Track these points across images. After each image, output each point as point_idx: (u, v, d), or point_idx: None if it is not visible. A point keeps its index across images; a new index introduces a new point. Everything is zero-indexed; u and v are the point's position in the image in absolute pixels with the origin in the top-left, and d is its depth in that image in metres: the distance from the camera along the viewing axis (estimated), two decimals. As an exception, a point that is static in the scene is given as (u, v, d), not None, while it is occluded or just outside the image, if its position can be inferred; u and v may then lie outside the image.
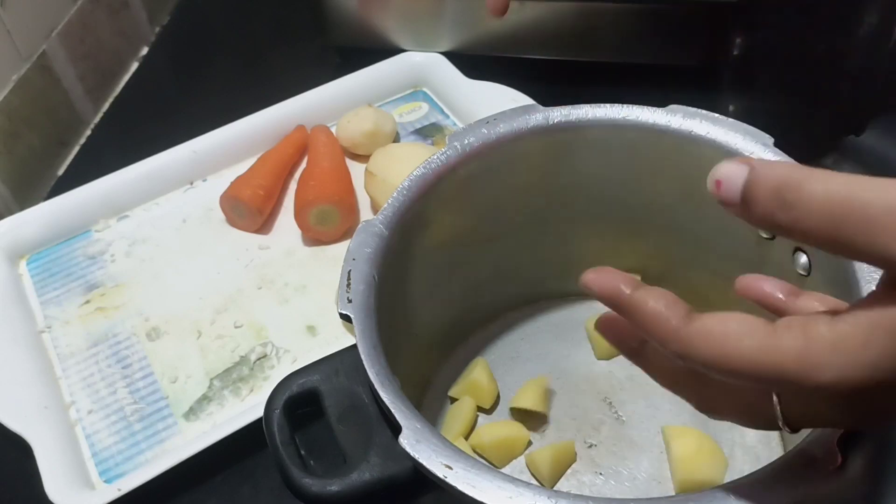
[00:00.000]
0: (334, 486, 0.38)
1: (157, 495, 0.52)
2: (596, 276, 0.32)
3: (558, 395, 0.54)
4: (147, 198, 0.71)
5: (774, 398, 0.31)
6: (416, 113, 0.77)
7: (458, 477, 0.35)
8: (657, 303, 0.29)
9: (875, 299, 0.26)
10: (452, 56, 0.77)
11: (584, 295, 0.58)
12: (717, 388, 0.32)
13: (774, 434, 0.51)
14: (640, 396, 0.53)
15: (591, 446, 0.51)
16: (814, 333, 0.26)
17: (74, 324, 0.63)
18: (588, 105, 0.49)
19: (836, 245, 0.25)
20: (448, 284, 0.53)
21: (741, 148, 0.45)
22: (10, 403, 0.56)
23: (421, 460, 0.36)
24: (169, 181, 0.72)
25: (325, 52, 0.83)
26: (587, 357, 0.56)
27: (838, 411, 0.29)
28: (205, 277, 0.65)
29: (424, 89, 0.78)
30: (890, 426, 0.35)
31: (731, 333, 0.28)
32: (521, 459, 0.51)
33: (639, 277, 0.57)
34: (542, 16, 0.73)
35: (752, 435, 0.51)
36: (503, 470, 0.51)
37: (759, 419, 0.33)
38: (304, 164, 0.71)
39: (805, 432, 0.35)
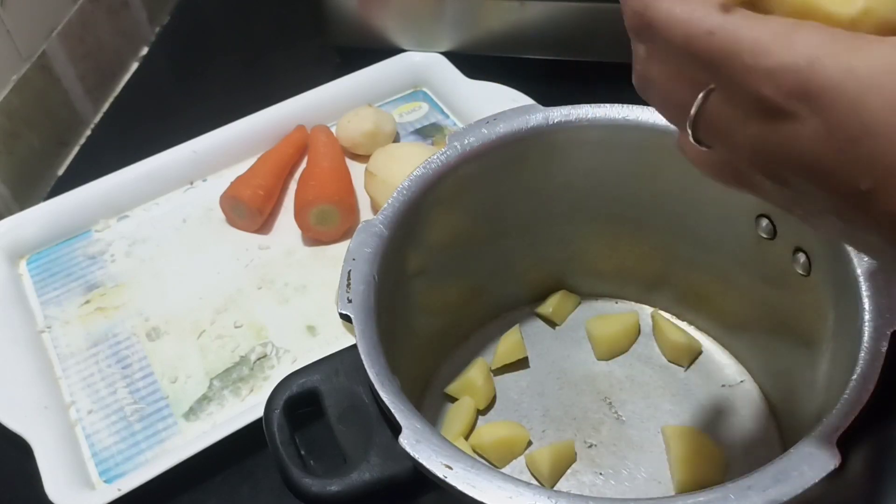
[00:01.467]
0: (334, 486, 0.38)
1: (157, 495, 0.52)
2: None
3: (558, 395, 0.54)
4: (147, 198, 0.71)
5: (701, 95, 0.29)
6: (416, 113, 0.77)
7: (458, 477, 0.35)
8: None
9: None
10: (452, 56, 0.77)
11: (584, 294, 0.59)
12: (653, 60, 0.31)
13: (774, 434, 0.51)
14: (640, 396, 0.54)
15: (591, 446, 0.51)
16: (775, 23, 0.26)
17: (74, 324, 0.63)
18: (588, 105, 0.49)
19: None
20: (448, 284, 0.53)
21: (741, 148, 0.45)
22: (10, 403, 0.56)
23: (421, 460, 0.36)
24: (169, 181, 0.72)
25: (325, 52, 0.83)
26: (587, 357, 0.56)
27: (755, 131, 0.27)
28: (205, 277, 0.65)
29: (424, 89, 0.79)
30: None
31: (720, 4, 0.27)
32: (521, 459, 0.51)
33: (639, 277, 0.57)
34: (542, 16, 0.73)
35: (752, 435, 0.51)
36: (503, 470, 0.51)
37: (673, 111, 0.31)
38: (304, 164, 0.71)
39: (806, 430, 0.35)
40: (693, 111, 0.29)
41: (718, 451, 0.49)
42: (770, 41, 0.25)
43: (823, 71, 0.24)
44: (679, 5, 0.28)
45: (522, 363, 0.56)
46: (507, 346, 0.55)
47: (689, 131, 0.30)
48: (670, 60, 0.29)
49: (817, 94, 0.25)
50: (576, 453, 0.51)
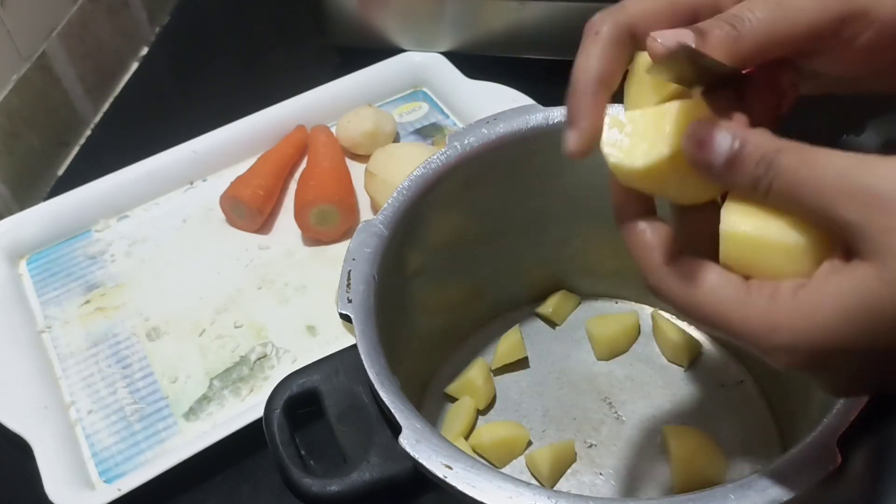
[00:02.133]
0: (334, 486, 0.38)
1: (157, 495, 0.52)
2: (619, 193, 0.33)
3: (558, 395, 0.54)
4: (147, 198, 0.71)
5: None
6: (416, 113, 0.77)
7: (458, 477, 0.35)
8: (653, 235, 0.31)
9: (832, 269, 0.27)
10: (452, 56, 0.77)
11: (584, 294, 0.59)
12: None
13: (774, 434, 0.51)
14: (640, 396, 0.54)
15: (591, 446, 0.51)
16: (779, 295, 0.28)
17: (74, 324, 0.63)
18: (588, 105, 0.49)
19: (799, 208, 0.28)
20: (448, 284, 0.53)
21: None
22: (10, 403, 0.56)
23: (421, 460, 0.36)
24: (169, 181, 0.72)
25: (325, 52, 0.83)
26: (587, 357, 0.56)
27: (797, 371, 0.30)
28: (205, 277, 0.65)
29: (424, 89, 0.78)
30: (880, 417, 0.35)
31: (707, 282, 0.29)
32: (521, 459, 0.51)
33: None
34: (542, 16, 0.73)
35: (751, 435, 0.51)
36: (503, 470, 0.51)
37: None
38: (304, 164, 0.71)
39: (806, 430, 0.35)
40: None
41: (718, 451, 0.49)
42: (758, 326, 0.28)
43: (808, 345, 0.27)
44: (673, 283, 0.30)
45: (522, 363, 0.56)
46: (507, 346, 0.55)
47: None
48: None
49: (816, 359, 0.28)
50: (576, 453, 0.51)
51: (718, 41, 0.30)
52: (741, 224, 0.29)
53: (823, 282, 0.27)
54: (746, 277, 0.29)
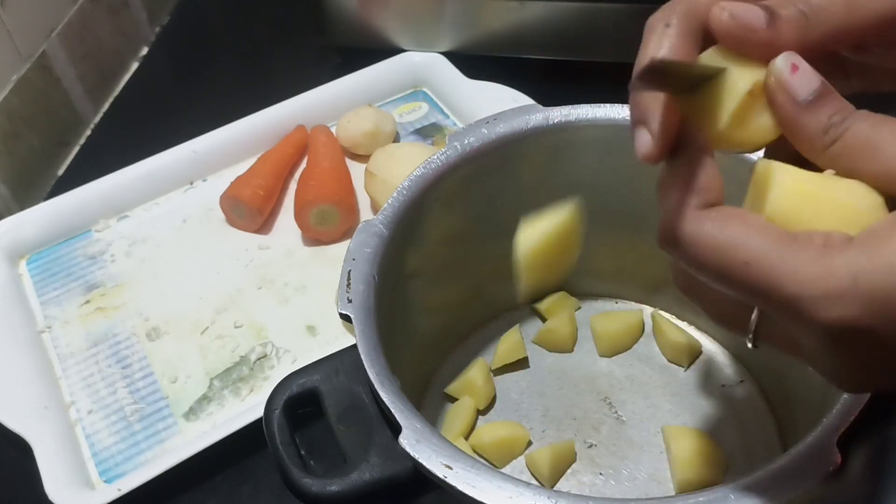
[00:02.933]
0: (334, 486, 0.38)
1: (157, 495, 0.52)
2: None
3: (558, 395, 0.54)
4: (147, 198, 0.71)
5: (754, 316, 0.30)
6: (416, 113, 0.77)
7: (458, 477, 0.35)
8: (703, 174, 0.28)
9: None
10: (452, 56, 0.77)
11: (584, 295, 0.59)
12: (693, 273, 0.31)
13: (774, 434, 0.51)
14: (640, 396, 0.54)
15: (591, 446, 0.51)
16: (832, 241, 0.26)
17: (74, 324, 0.63)
18: (588, 105, 0.49)
19: (864, 165, 0.27)
20: (448, 284, 0.53)
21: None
22: (10, 403, 0.56)
23: (421, 460, 0.36)
24: (169, 181, 0.72)
25: (325, 52, 0.83)
26: (587, 357, 0.56)
27: (821, 350, 0.28)
28: (205, 277, 0.65)
29: (424, 89, 0.78)
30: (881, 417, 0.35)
31: (751, 225, 0.27)
32: (521, 459, 0.51)
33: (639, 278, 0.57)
34: (542, 16, 0.73)
35: (751, 435, 0.51)
36: (503, 470, 0.51)
37: (729, 323, 0.32)
38: (304, 164, 0.71)
39: (806, 430, 0.35)
40: (750, 330, 0.30)
41: (718, 451, 0.49)
42: (810, 270, 0.26)
43: (869, 283, 0.25)
44: (709, 226, 0.27)
45: (522, 363, 0.56)
46: (507, 346, 0.55)
47: (749, 343, 0.31)
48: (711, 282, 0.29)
49: (872, 308, 0.25)
50: (576, 453, 0.51)
51: (788, 25, 0.29)
52: (798, 176, 0.28)
53: (888, 230, 0.25)
54: None
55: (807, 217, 0.27)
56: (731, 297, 0.29)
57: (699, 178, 0.28)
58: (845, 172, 0.28)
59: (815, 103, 0.28)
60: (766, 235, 0.27)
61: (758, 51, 0.29)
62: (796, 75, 0.28)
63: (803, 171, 0.28)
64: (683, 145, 0.29)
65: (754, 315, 0.30)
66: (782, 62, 0.28)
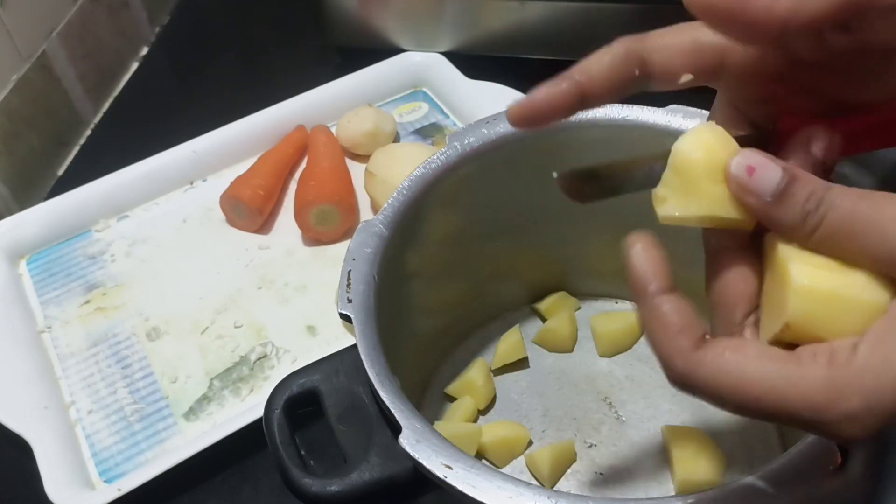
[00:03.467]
0: (334, 486, 0.38)
1: (157, 495, 0.52)
2: (637, 251, 0.30)
3: (558, 395, 0.54)
4: (147, 198, 0.71)
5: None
6: (416, 113, 0.77)
7: (458, 477, 0.35)
8: (675, 315, 0.27)
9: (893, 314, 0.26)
10: (452, 56, 0.77)
11: (583, 295, 0.59)
12: None
13: (774, 434, 0.51)
14: (640, 396, 0.54)
15: (591, 446, 0.51)
16: (836, 359, 0.25)
17: (74, 324, 0.63)
18: (588, 105, 0.49)
19: (852, 245, 0.26)
20: (448, 284, 0.53)
21: (741, 148, 0.45)
22: (10, 403, 0.56)
23: (421, 460, 0.36)
24: (169, 181, 0.72)
25: (325, 52, 0.83)
26: (587, 357, 0.56)
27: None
28: (205, 277, 0.65)
29: (424, 89, 0.78)
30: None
31: (750, 360, 0.26)
32: (521, 459, 0.51)
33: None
34: (542, 16, 0.73)
35: (752, 435, 0.51)
36: (503, 470, 0.51)
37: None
38: (304, 164, 0.71)
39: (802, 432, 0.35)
40: None
41: (718, 452, 0.49)
42: (823, 396, 0.25)
43: (882, 404, 0.25)
44: (707, 370, 0.27)
45: (522, 363, 0.56)
46: (507, 346, 0.55)
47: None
48: None
49: (890, 419, 0.25)
50: (576, 453, 0.51)
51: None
52: (815, 276, 0.27)
53: (889, 331, 0.25)
54: (808, 340, 0.27)
55: (823, 321, 0.27)
56: None
57: (673, 319, 0.27)
58: (840, 258, 0.27)
59: (783, 196, 0.27)
60: (768, 365, 0.26)
61: (743, 31, 0.28)
62: (754, 177, 0.27)
63: (818, 264, 0.27)
64: (659, 289, 0.28)
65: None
66: (736, 167, 0.28)
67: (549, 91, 0.32)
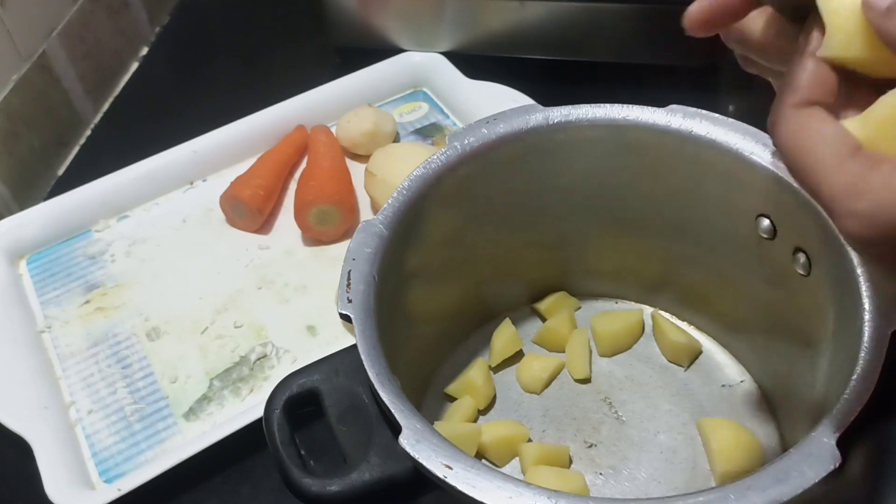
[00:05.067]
0: (334, 486, 0.38)
1: (157, 495, 0.52)
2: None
3: (558, 395, 0.54)
4: (147, 198, 0.71)
5: None
6: (416, 113, 0.77)
7: (458, 477, 0.35)
8: (805, 72, 0.30)
9: None
10: (452, 56, 0.77)
11: (583, 295, 0.59)
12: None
13: (774, 434, 0.51)
14: (640, 396, 0.54)
15: (591, 446, 0.51)
16: (881, 167, 0.28)
17: (74, 324, 0.63)
18: (588, 105, 0.49)
19: None
20: (448, 284, 0.53)
21: (741, 148, 0.45)
22: (10, 403, 0.56)
23: (421, 460, 0.36)
24: (169, 181, 0.72)
25: (325, 52, 0.83)
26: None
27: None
28: (205, 277, 0.65)
29: (424, 89, 0.78)
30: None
31: (821, 131, 0.29)
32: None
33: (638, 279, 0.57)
34: (542, 16, 0.73)
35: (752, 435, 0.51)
36: (503, 470, 0.51)
37: None
38: (304, 164, 0.71)
39: (806, 430, 0.35)
40: None
41: (755, 442, 0.48)
42: (842, 191, 0.28)
43: (888, 215, 0.27)
44: (789, 126, 0.30)
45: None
46: (502, 341, 0.55)
47: None
48: None
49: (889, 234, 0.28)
50: (570, 458, 0.51)
51: None
52: None
53: None
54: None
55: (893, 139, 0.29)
56: None
57: (800, 77, 0.31)
58: None
59: (891, 9, 0.29)
60: (830, 144, 0.29)
61: None
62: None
63: None
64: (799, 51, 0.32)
65: None
66: None
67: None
